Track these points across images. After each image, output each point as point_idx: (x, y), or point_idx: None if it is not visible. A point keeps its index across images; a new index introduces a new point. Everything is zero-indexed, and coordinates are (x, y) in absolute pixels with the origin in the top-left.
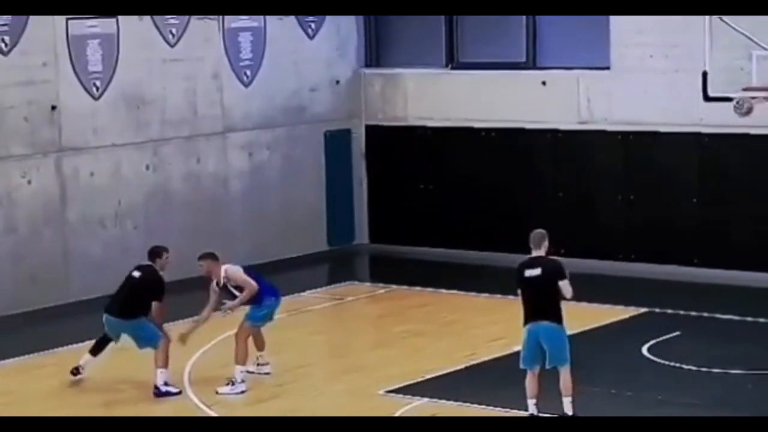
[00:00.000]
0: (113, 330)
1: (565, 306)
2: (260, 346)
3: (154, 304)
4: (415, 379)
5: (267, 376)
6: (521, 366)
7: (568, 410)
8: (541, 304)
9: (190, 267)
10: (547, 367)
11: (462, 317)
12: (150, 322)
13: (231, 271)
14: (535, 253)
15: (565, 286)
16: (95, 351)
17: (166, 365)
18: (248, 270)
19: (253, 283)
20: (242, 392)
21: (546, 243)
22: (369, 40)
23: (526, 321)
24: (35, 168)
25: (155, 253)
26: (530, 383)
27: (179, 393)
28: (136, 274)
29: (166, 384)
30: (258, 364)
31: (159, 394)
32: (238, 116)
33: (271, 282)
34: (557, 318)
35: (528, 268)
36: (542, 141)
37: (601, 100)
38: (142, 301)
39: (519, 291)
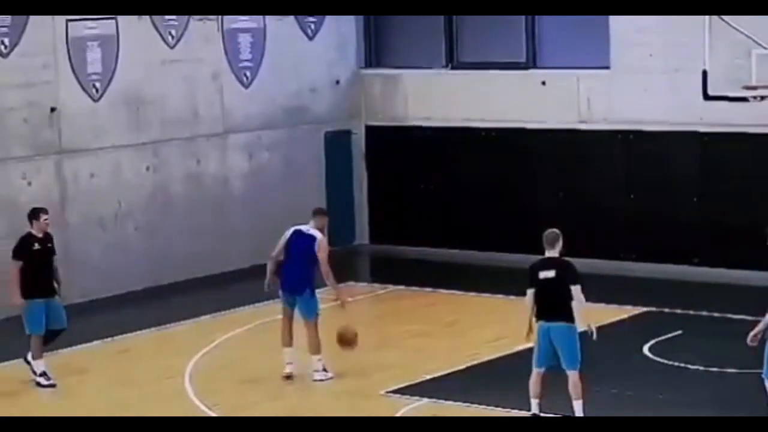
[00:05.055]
0: None
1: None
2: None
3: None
4: (415, 380)
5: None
6: (533, 366)
7: (579, 413)
8: (555, 305)
9: (190, 267)
10: (563, 367)
11: (463, 317)
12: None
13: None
14: (548, 254)
15: (576, 293)
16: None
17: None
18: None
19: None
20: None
21: (560, 243)
22: (369, 40)
23: (538, 318)
24: (35, 170)
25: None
26: (534, 383)
27: (54, 386)
28: None
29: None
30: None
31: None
32: (238, 117)
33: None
34: (569, 318)
35: (542, 269)
36: (542, 141)
37: (601, 100)
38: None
39: (530, 291)
